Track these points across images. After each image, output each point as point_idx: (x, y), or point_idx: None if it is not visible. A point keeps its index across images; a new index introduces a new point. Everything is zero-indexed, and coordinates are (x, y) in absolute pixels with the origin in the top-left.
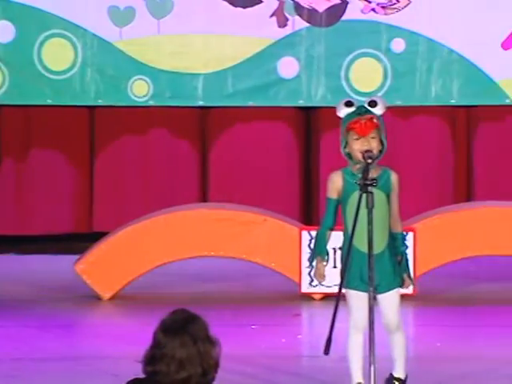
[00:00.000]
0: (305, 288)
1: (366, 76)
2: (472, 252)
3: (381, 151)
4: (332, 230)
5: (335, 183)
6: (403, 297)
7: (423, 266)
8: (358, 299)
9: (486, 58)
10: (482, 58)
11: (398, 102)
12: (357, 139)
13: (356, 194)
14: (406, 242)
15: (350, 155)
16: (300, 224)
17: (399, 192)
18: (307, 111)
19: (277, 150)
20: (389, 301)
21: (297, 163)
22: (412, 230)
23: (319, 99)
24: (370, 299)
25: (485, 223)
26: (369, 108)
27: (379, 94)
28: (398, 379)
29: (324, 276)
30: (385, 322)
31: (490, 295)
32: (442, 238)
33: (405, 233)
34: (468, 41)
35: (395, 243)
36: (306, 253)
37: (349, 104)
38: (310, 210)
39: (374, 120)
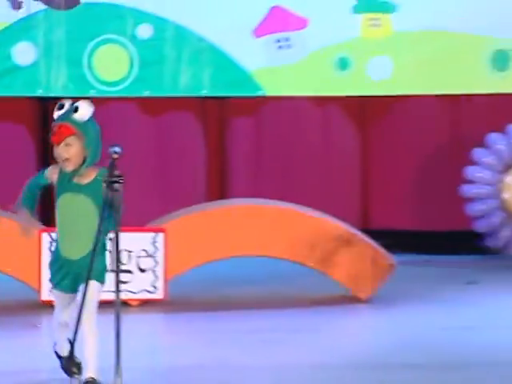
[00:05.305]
0: (46, 295)
1: (111, 64)
2: (225, 254)
3: (86, 158)
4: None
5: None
6: (152, 303)
7: (174, 268)
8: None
9: (238, 46)
10: (234, 46)
11: (146, 93)
12: (55, 145)
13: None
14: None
15: None
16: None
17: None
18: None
19: None
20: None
21: None
22: (162, 230)
23: (60, 88)
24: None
25: (236, 222)
26: (72, 113)
27: (125, 84)
28: None
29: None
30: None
31: (243, 299)
32: (193, 238)
33: (154, 233)
34: (218, 28)
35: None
36: (46, 256)
37: (60, 107)
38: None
39: (69, 127)
